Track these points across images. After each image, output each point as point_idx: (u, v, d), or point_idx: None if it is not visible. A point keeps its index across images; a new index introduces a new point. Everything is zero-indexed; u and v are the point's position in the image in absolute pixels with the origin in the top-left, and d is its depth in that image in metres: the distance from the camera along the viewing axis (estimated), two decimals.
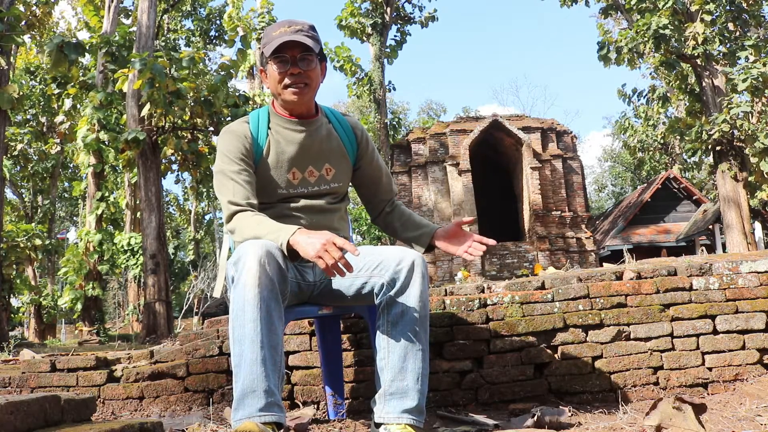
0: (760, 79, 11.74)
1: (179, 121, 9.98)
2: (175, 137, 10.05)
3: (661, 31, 12.65)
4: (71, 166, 25.34)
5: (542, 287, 2.60)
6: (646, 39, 12.80)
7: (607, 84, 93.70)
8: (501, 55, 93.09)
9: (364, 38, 21.28)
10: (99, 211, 14.31)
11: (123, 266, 16.18)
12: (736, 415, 2.00)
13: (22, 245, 15.73)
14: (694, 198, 22.96)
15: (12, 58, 16.51)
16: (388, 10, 21.03)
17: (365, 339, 2.46)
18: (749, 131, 12.49)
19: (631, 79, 63.18)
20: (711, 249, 19.47)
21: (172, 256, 32.46)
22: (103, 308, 15.78)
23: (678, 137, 16.05)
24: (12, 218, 23.44)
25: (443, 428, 2.05)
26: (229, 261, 1.82)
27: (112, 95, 12.84)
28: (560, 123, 20.84)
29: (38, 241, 16.20)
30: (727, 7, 13.15)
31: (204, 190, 27.05)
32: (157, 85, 8.94)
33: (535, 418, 1.98)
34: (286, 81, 1.95)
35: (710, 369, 2.44)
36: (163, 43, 20.19)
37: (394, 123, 26.44)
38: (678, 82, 15.44)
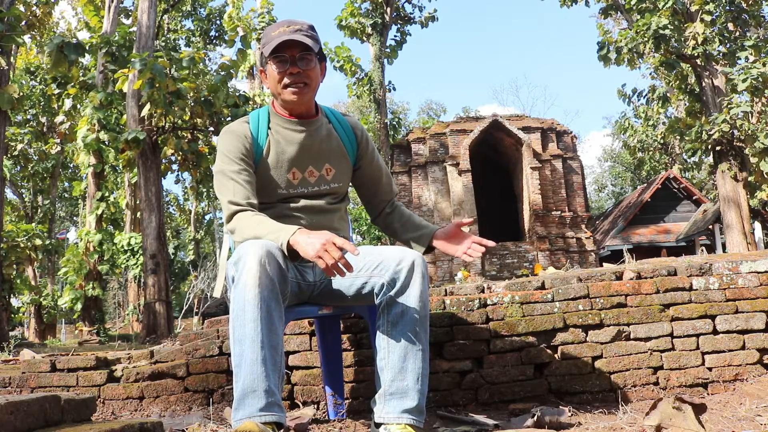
0: (760, 79, 11.74)
1: (179, 121, 9.99)
2: (175, 137, 10.05)
3: (661, 31, 12.65)
4: (71, 166, 25.34)
5: (542, 287, 2.60)
6: (646, 39, 12.80)
7: (607, 84, 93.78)
8: (501, 55, 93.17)
9: (364, 38, 21.28)
10: (99, 211, 14.31)
11: (123, 266, 16.18)
12: (736, 415, 2.00)
13: (22, 245, 15.73)
14: (694, 198, 22.97)
15: (12, 58, 16.51)
16: (388, 10, 21.03)
17: (365, 339, 2.46)
18: (749, 131, 12.49)
19: (631, 79, 63.27)
20: (711, 249, 19.47)
21: (172, 256, 32.47)
22: (103, 308, 15.78)
23: (678, 137, 16.05)
24: (12, 218, 23.44)
25: (443, 428, 2.05)
26: (229, 261, 1.82)
27: (112, 95, 12.84)
28: (560, 123, 20.84)
29: (38, 241, 16.19)
30: (727, 7, 13.15)
31: (204, 190, 27.06)
32: (157, 85, 8.94)
33: (535, 418, 1.98)
34: (286, 81, 1.95)
35: (710, 369, 2.44)
36: (163, 43, 20.20)
37: (394, 123, 26.43)
38: (678, 82, 15.44)
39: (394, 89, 22.19)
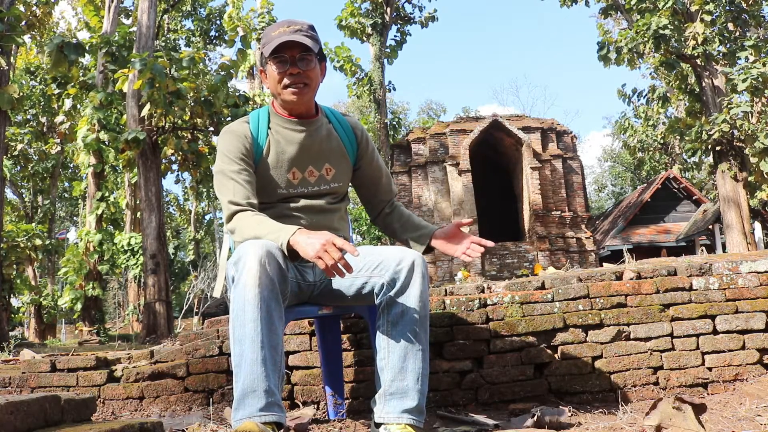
0: (760, 79, 11.74)
1: (179, 121, 9.99)
2: (175, 137, 10.05)
3: (661, 31, 12.65)
4: (71, 166, 25.35)
5: (542, 287, 2.60)
6: (646, 39, 12.80)
7: (607, 84, 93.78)
8: (501, 55, 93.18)
9: (364, 38, 21.28)
10: (99, 211, 14.31)
11: (123, 266, 16.18)
12: (736, 415, 2.00)
13: (22, 245, 15.73)
14: (694, 198, 22.97)
15: (12, 58, 16.51)
16: (388, 10, 21.02)
17: (365, 339, 2.46)
18: (749, 131, 12.50)
19: (631, 79, 63.28)
20: (711, 249, 19.47)
21: (172, 256, 32.47)
22: (103, 308, 15.77)
23: (678, 137, 16.05)
24: (12, 218, 23.44)
25: (443, 428, 2.05)
26: (229, 261, 1.82)
27: (112, 95, 12.84)
28: (560, 123, 20.84)
29: (38, 241, 16.19)
30: (727, 7, 13.15)
31: (204, 190, 27.07)
32: (157, 85, 8.94)
33: (535, 418, 1.98)
34: (286, 81, 1.95)
35: (710, 369, 2.44)
36: (163, 43, 20.20)
37: (394, 123, 26.43)
38: (678, 82, 15.44)
39: (394, 89, 22.19)
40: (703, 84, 13.69)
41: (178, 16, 24.88)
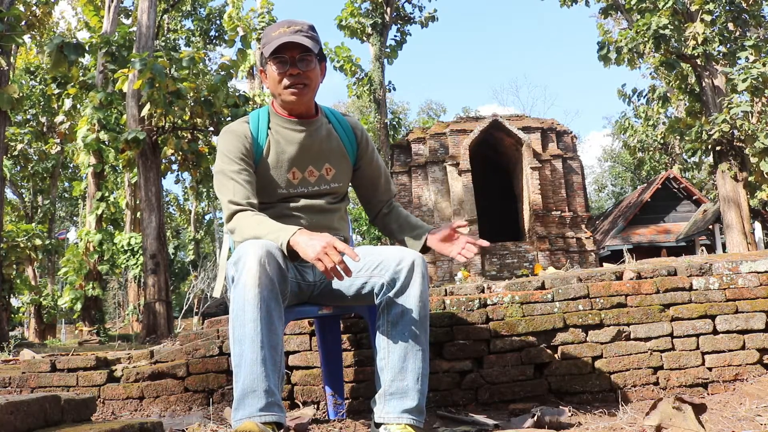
0: (760, 79, 11.74)
1: (179, 121, 9.99)
2: (175, 137, 10.05)
3: (661, 31, 12.65)
4: (71, 166, 25.34)
5: (542, 287, 2.60)
6: (646, 39, 12.80)
7: (607, 84, 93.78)
8: (501, 55, 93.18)
9: (364, 38, 21.27)
10: (99, 211, 14.31)
11: (123, 266, 16.18)
12: (736, 415, 2.00)
13: (22, 245, 15.73)
14: (694, 198, 22.97)
15: (12, 58, 16.51)
16: (388, 10, 21.02)
17: (365, 339, 2.46)
18: (749, 131, 12.50)
19: (631, 79, 63.23)
20: (711, 249, 19.47)
21: (172, 256, 32.47)
22: (103, 308, 15.77)
23: (678, 137, 16.05)
24: (12, 218, 23.43)
25: (443, 428, 2.05)
26: (229, 261, 1.82)
27: (112, 95, 12.84)
28: (560, 123, 20.84)
29: (38, 241, 16.20)
30: (727, 7, 13.15)
31: (204, 190, 27.06)
32: (157, 85, 8.94)
33: (535, 418, 1.98)
34: (286, 81, 1.95)
35: (710, 369, 2.44)
36: (163, 43, 20.20)
37: (394, 123, 26.43)
38: (678, 82, 15.44)
39: (394, 89, 22.18)
40: (703, 84, 13.69)
41: (178, 16, 24.88)
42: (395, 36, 21.74)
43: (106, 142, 13.54)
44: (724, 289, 2.52)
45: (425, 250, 2.10)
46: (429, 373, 1.85)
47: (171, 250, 31.64)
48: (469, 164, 19.43)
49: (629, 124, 23.66)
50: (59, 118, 16.59)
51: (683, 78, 15.25)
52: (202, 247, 33.96)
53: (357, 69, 21.24)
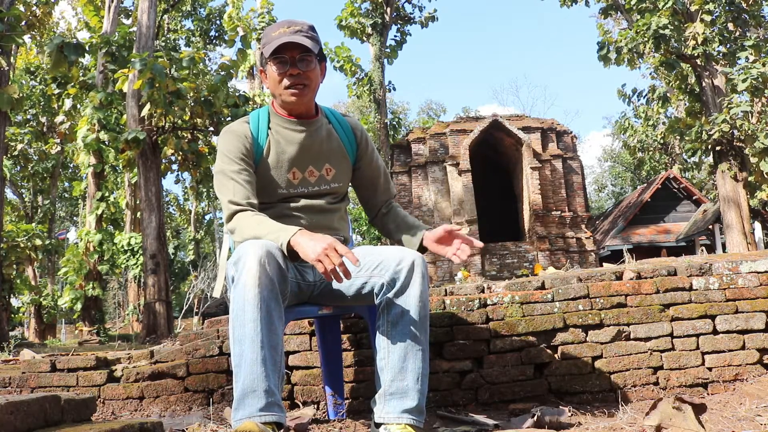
0: (760, 79, 11.74)
1: (179, 121, 9.99)
2: (175, 137, 10.05)
3: (661, 31, 12.65)
4: (71, 166, 25.34)
5: (542, 287, 2.60)
6: (646, 39, 12.80)
7: (607, 84, 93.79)
8: (501, 55, 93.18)
9: (364, 38, 21.27)
10: (99, 211, 14.31)
11: (123, 266, 16.18)
12: (736, 415, 2.00)
13: (22, 245, 15.73)
14: (694, 198, 22.97)
15: (12, 58, 16.51)
16: (388, 10, 21.02)
17: (365, 339, 2.46)
18: (749, 131, 12.49)
19: (631, 79, 63.24)
20: (711, 249, 19.47)
21: (172, 256, 32.47)
22: (103, 308, 15.78)
23: (678, 137, 16.05)
24: (12, 218, 23.43)
25: (443, 428, 2.05)
26: (229, 261, 1.82)
27: (112, 95, 12.84)
28: (560, 123, 20.84)
29: (38, 241, 16.19)
30: (727, 7, 13.14)
31: (204, 190, 27.07)
32: (157, 85, 8.94)
33: (535, 418, 1.98)
34: (286, 82, 1.95)
35: (710, 369, 2.44)
36: (163, 43, 20.20)
37: (394, 123, 26.43)
38: (678, 82, 15.44)
39: (394, 89, 22.18)
40: (703, 84, 13.69)
41: (178, 16, 24.88)
42: (395, 36, 21.76)
43: (106, 142, 13.54)
44: (724, 289, 2.52)
45: (422, 250, 2.10)
46: (429, 373, 1.85)
47: (171, 250, 31.64)
48: (469, 164, 19.42)
49: (629, 124, 23.66)
50: (59, 118, 16.61)
51: (683, 78, 15.25)
52: (202, 247, 33.97)
53: (357, 69, 21.24)
